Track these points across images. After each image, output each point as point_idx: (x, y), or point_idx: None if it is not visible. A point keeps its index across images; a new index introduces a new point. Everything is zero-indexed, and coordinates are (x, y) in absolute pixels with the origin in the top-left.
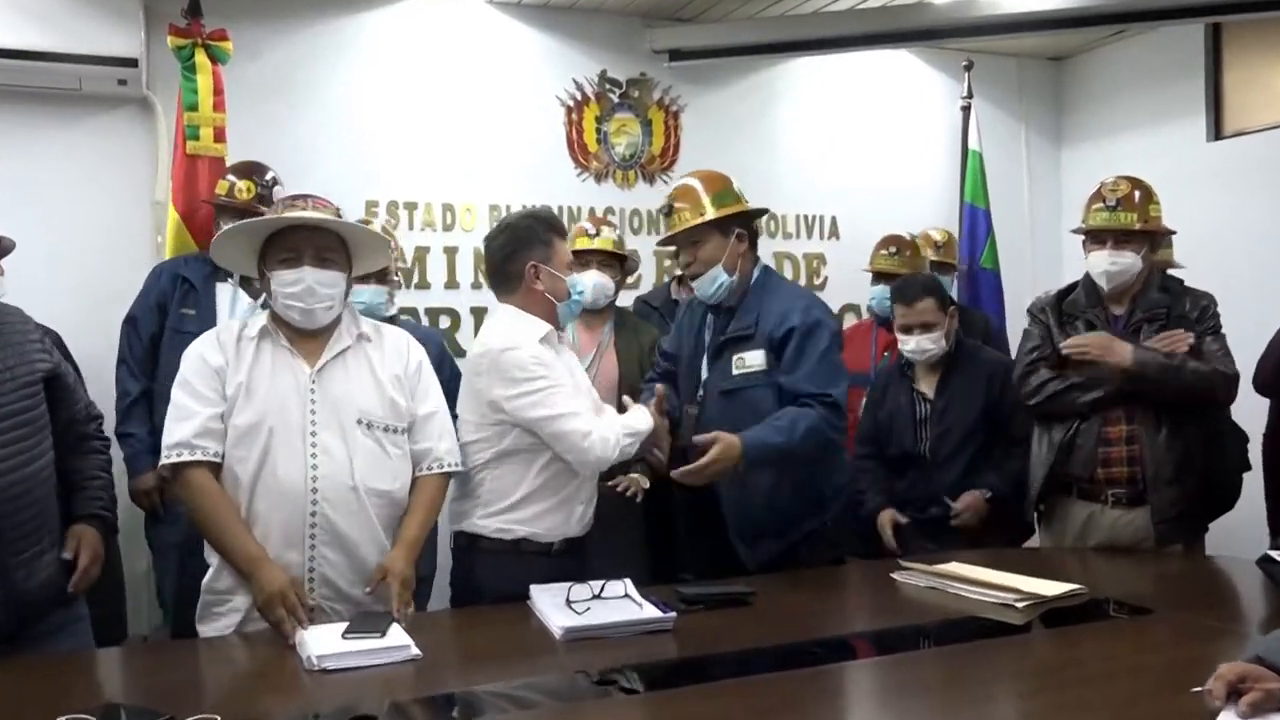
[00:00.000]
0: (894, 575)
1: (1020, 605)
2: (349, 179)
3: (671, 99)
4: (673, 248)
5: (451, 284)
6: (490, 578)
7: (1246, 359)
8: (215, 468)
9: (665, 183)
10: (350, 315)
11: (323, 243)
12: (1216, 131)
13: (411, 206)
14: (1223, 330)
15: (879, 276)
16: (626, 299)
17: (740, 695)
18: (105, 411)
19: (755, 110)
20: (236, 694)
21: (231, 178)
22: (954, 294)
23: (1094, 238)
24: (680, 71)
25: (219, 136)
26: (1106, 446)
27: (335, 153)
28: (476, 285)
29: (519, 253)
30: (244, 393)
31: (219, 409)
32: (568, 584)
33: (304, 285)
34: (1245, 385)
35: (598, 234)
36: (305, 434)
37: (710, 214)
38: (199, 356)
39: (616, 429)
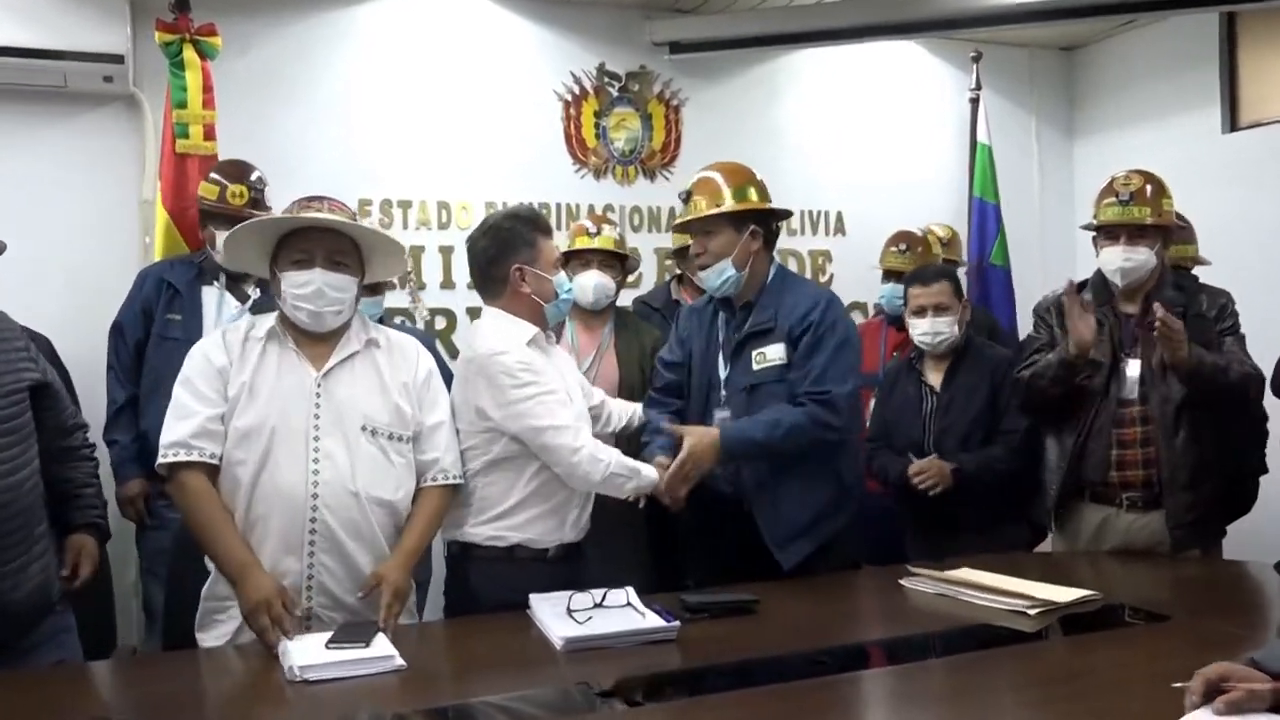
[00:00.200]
0: (903, 582)
1: (1033, 612)
2: (342, 176)
3: (672, 92)
4: (677, 245)
5: (447, 284)
6: (486, 586)
7: (1259, 356)
8: (212, 470)
9: (666, 179)
10: (360, 321)
11: (336, 246)
12: (1232, 123)
13: (406, 205)
14: (1241, 330)
15: (889, 274)
16: (626, 299)
17: (746, 707)
18: (97, 414)
19: (758, 104)
20: (221, 706)
21: (220, 179)
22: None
23: (1106, 234)
24: (681, 64)
25: (209, 134)
26: (1121, 449)
27: (327, 150)
28: (473, 285)
29: (503, 256)
30: (247, 394)
31: (219, 410)
32: (568, 592)
33: (314, 287)
34: None
35: (598, 233)
36: (308, 438)
37: (726, 206)
38: (203, 356)
39: (612, 455)
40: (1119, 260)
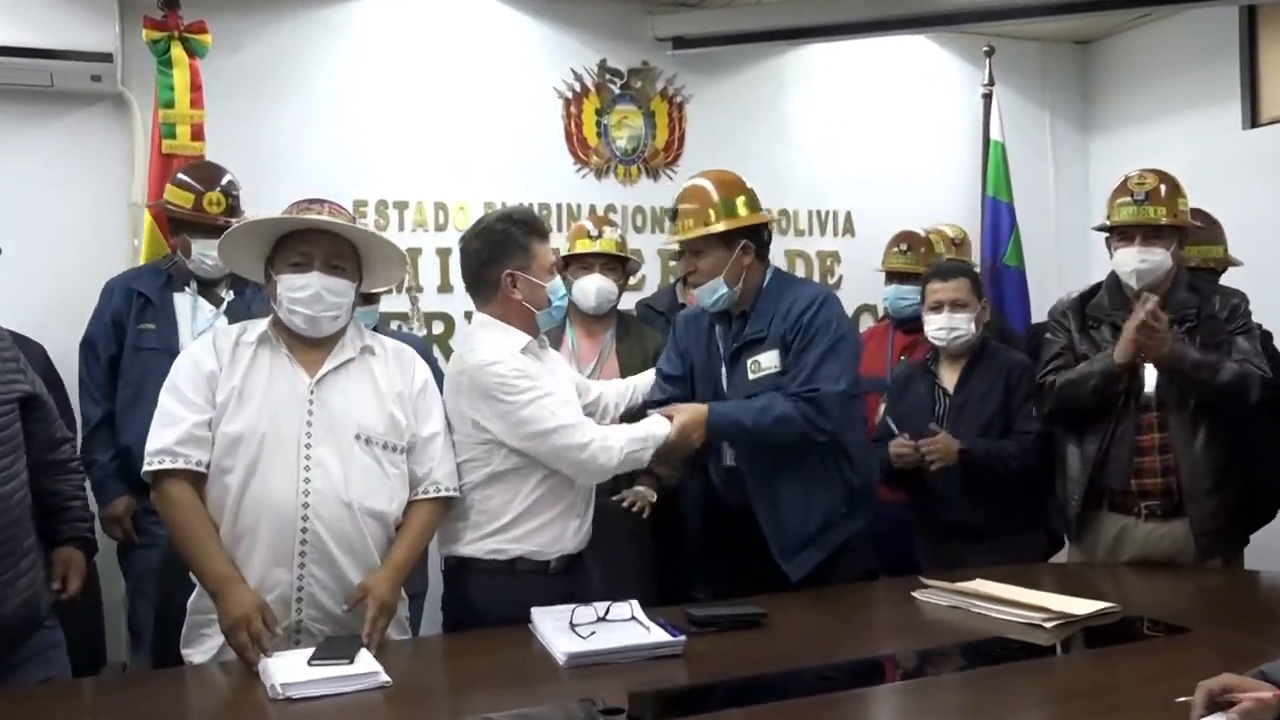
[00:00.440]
0: (915, 594)
1: (1049, 625)
2: (336, 176)
3: (675, 89)
4: (677, 247)
5: (445, 287)
6: (485, 599)
7: None
8: (198, 478)
9: (670, 178)
10: (356, 327)
11: (335, 250)
12: (1252, 119)
13: (402, 206)
14: (1256, 329)
15: (891, 276)
16: (628, 302)
17: None
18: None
19: (764, 100)
20: None
21: (193, 185)
22: None
23: (1121, 234)
24: (684, 60)
25: (197, 134)
26: (1139, 456)
27: (321, 149)
28: (466, 288)
29: (495, 260)
30: (236, 399)
31: (206, 416)
32: (571, 606)
33: (311, 291)
34: None
35: (599, 235)
36: (300, 446)
37: (714, 227)
38: (192, 361)
39: (621, 436)
40: (1134, 262)
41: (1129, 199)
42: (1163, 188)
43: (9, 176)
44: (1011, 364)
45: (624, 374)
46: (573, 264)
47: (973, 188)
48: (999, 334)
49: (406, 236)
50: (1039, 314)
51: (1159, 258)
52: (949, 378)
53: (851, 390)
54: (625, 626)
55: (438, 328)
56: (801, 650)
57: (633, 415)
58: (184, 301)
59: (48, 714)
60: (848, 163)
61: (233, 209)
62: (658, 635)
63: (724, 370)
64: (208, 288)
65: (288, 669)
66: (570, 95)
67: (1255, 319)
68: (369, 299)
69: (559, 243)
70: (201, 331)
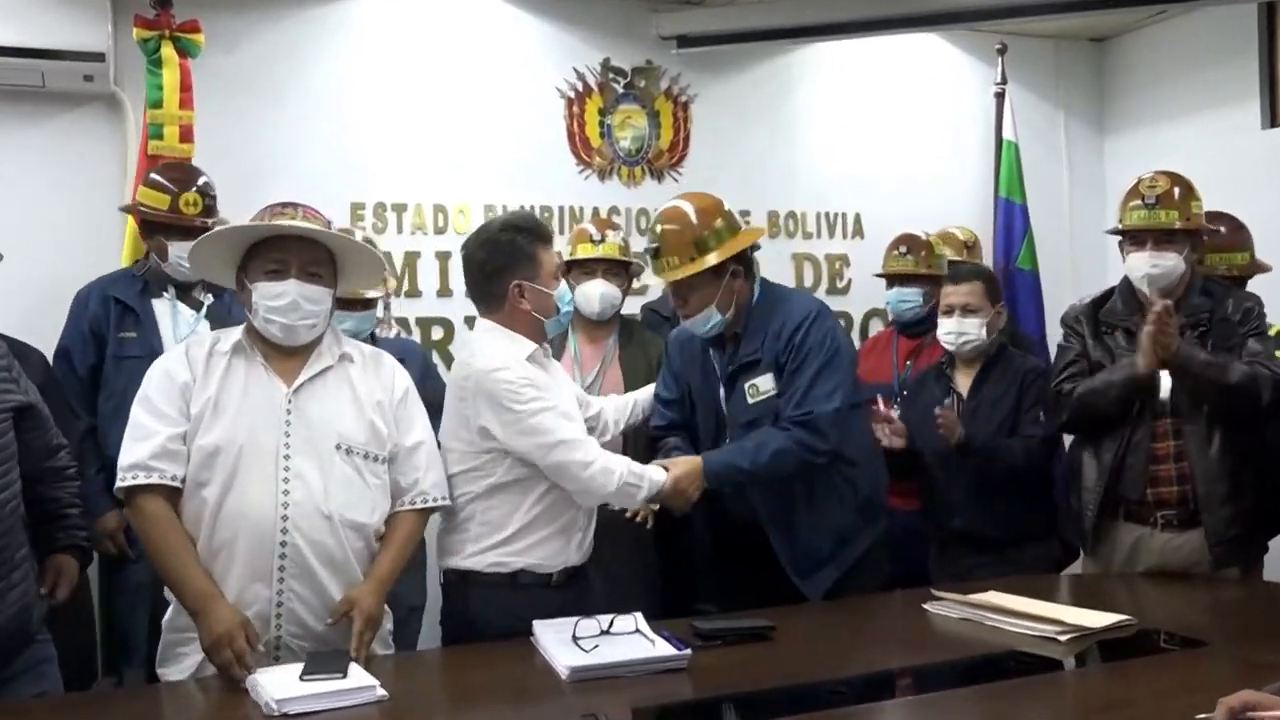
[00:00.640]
0: (926, 606)
1: (1063, 638)
2: (333, 178)
3: (680, 89)
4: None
5: (444, 291)
6: (486, 612)
7: None
8: (174, 493)
9: (674, 179)
10: (333, 334)
11: (311, 256)
12: (1272, 118)
13: (400, 208)
14: (1270, 331)
15: (893, 279)
16: (632, 306)
17: None
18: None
19: (771, 100)
20: None
21: (168, 186)
22: None
23: (1132, 239)
24: (689, 59)
25: (185, 136)
26: (1155, 464)
27: (318, 151)
28: (470, 296)
29: (502, 271)
30: (211, 411)
31: (181, 429)
32: (574, 619)
33: (289, 299)
34: None
35: (602, 239)
36: (278, 457)
37: (704, 261)
38: (164, 372)
39: (622, 464)
40: (1145, 267)
41: (1140, 202)
42: (1176, 190)
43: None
44: (1025, 369)
45: (627, 381)
46: (574, 269)
47: (985, 189)
48: (1011, 339)
49: (405, 239)
50: (1053, 318)
51: (1171, 263)
52: (964, 382)
53: (849, 402)
54: (629, 640)
55: (437, 333)
56: (810, 664)
57: (634, 431)
58: (163, 307)
59: None
60: (856, 163)
61: (209, 210)
62: (663, 649)
63: (722, 393)
64: (185, 291)
65: (280, 685)
66: (572, 95)
67: (1274, 322)
68: (365, 304)
69: (560, 246)
70: (185, 337)
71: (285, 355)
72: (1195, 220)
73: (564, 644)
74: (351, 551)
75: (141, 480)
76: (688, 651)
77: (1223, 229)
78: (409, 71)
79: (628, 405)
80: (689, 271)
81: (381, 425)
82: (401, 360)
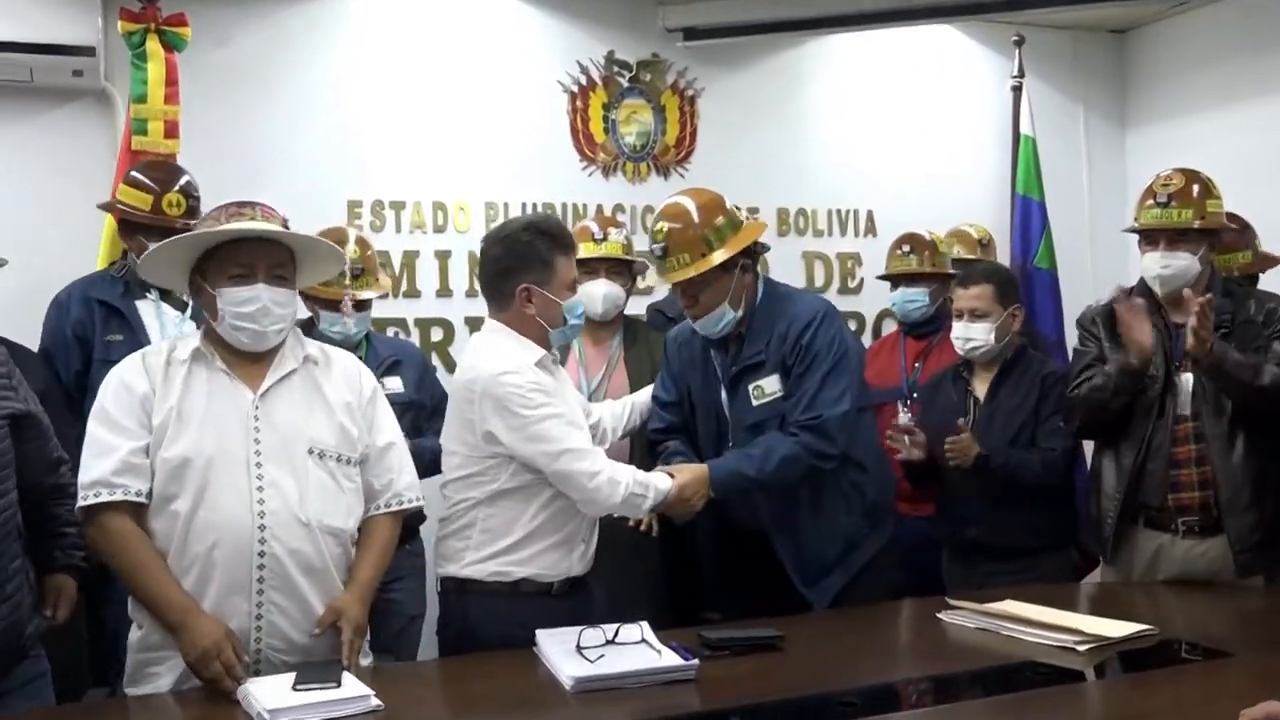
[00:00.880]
0: (940, 615)
1: (1082, 648)
2: (329, 176)
3: (687, 82)
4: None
5: (444, 291)
6: (486, 622)
7: None
8: (139, 508)
9: (681, 176)
10: (294, 336)
11: (276, 258)
12: None
13: (399, 206)
14: None
15: (898, 280)
16: (638, 305)
17: None
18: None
19: (781, 94)
20: None
21: (150, 185)
22: None
23: (1146, 238)
24: (696, 52)
25: (170, 131)
26: (1175, 469)
27: (313, 147)
28: (472, 293)
29: (513, 271)
30: (175, 421)
31: (142, 442)
32: (578, 628)
33: (259, 305)
34: None
35: (605, 238)
36: (249, 466)
37: (714, 258)
38: (120, 383)
39: (628, 475)
40: (1157, 267)
41: (1153, 201)
42: (1194, 188)
43: None
44: (1045, 374)
45: (633, 383)
46: (577, 268)
47: (1002, 185)
48: (1028, 340)
49: (404, 238)
50: (1071, 319)
51: (1184, 263)
52: (981, 386)
53: (858, 405)
54: (635, 650)
55: (436, 334)
56: (820, 675)
57: (637, 435)
58: (148, 308)
59: None
60: (869, 160)
61: (193, 211)
62: (669, 659)
63: (725, 395)
64: (167, 293)
65: (273, 695)
66: (576, 89)
67: None
68: (359, 306)
69: None
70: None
71: (248, 361)
72: (1212, 219)
73: (568, 654)
74: (330, 558)
75: (105, 498)
76: (695, 662)
77: (1233, 226)
78: (407, 64)
79: (624, 410)
80: (701, 268)
81: (352, 427)
82: (398, 362)
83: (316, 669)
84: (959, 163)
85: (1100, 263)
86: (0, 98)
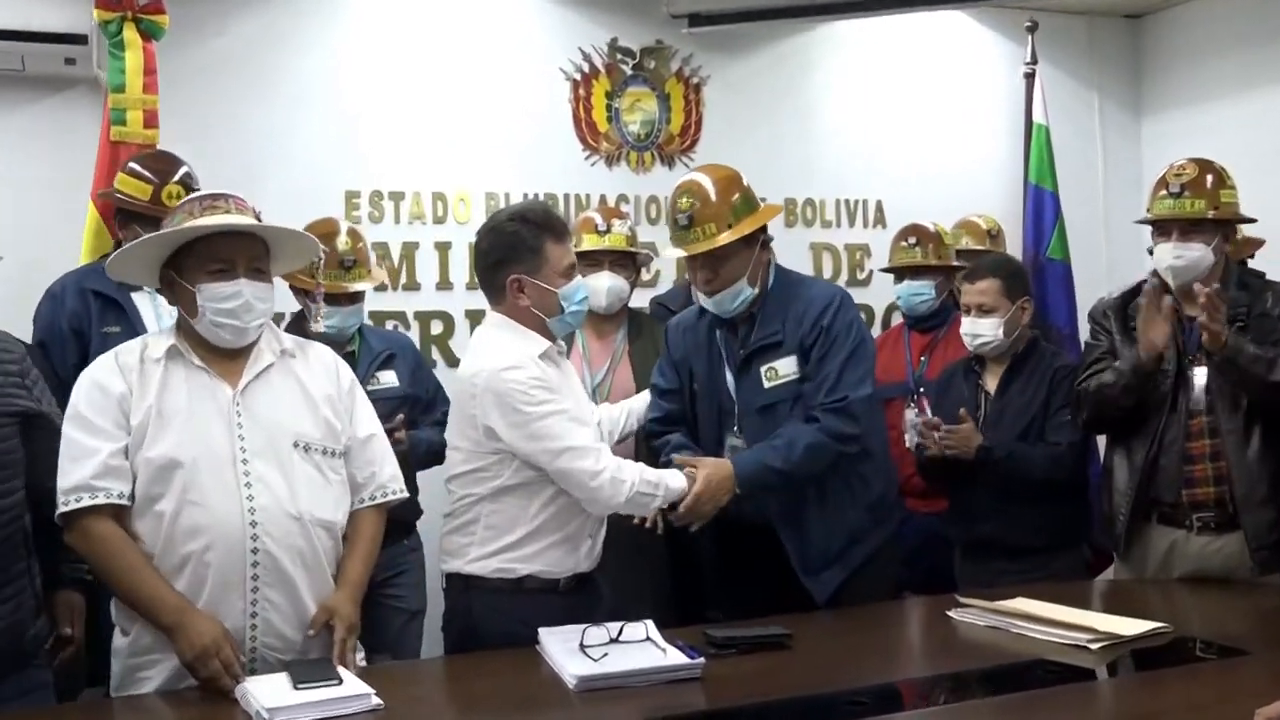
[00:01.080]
0: (950, 613)
1: (1095, 647)
2: (326, 166)
3: (692, 70)
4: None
5: (444, 284)
6: (491, 618)
7: None
8: (121, 511)
9: (686, 165)
10: (270, 330)
11: (255, 251)
12: None
13: (398, 196)
14: None
15: (903, 272)
16: (641, 298)
17: None
18: None
19: (788, 82)
20: None
21: (149, 176)
22: None
23: (1159, 229)
24: (702, 38)
25: (150, 121)
26: (1189, 465)
27: (311, 137)
28: (472, 285)
29: (503, 263)
30: (155, 421)
31: (121, 443)
32: (581, 626)
33: (242, 300)
34: None
35: (608, 230)
36: (235, 463)
37: (742, 228)
38: (94, 384)
39: (634, 473)
40: (1169, 258)
41: (1166, 191)
42: (1207, 178)
43: None
44: (1056, 367)
45: (638, 377)
46: (580, 261)
47: (1014, 175)
48: (1040, 333)
49: (403, 229)
50: (1085, 311)
51: (1196, 254)
52: (992, 380)
53: (873, 393)
54: (640, 648)
55: (436, 327)
56: (828, 673)
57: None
58: (144, 300)
59: None
60: (878, 148)
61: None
62: (675, 657)
63: (731, 379)
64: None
65: (273, 693)
66: (578, 76)
67: None
68: (351, 299)
69: None
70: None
71: (225, 357)
72: (1226, 209)
73: (571, 652)
74: (323, 552)
75: (87, 502)
76: (701, 660)
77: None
78: (406, 51)
79: (622, 415)
80: (731, 237)
81: (335, 419)
82: (392, 356)
83: (311, 667)
84: (970, 152)
85: (1115, 254)
86: None
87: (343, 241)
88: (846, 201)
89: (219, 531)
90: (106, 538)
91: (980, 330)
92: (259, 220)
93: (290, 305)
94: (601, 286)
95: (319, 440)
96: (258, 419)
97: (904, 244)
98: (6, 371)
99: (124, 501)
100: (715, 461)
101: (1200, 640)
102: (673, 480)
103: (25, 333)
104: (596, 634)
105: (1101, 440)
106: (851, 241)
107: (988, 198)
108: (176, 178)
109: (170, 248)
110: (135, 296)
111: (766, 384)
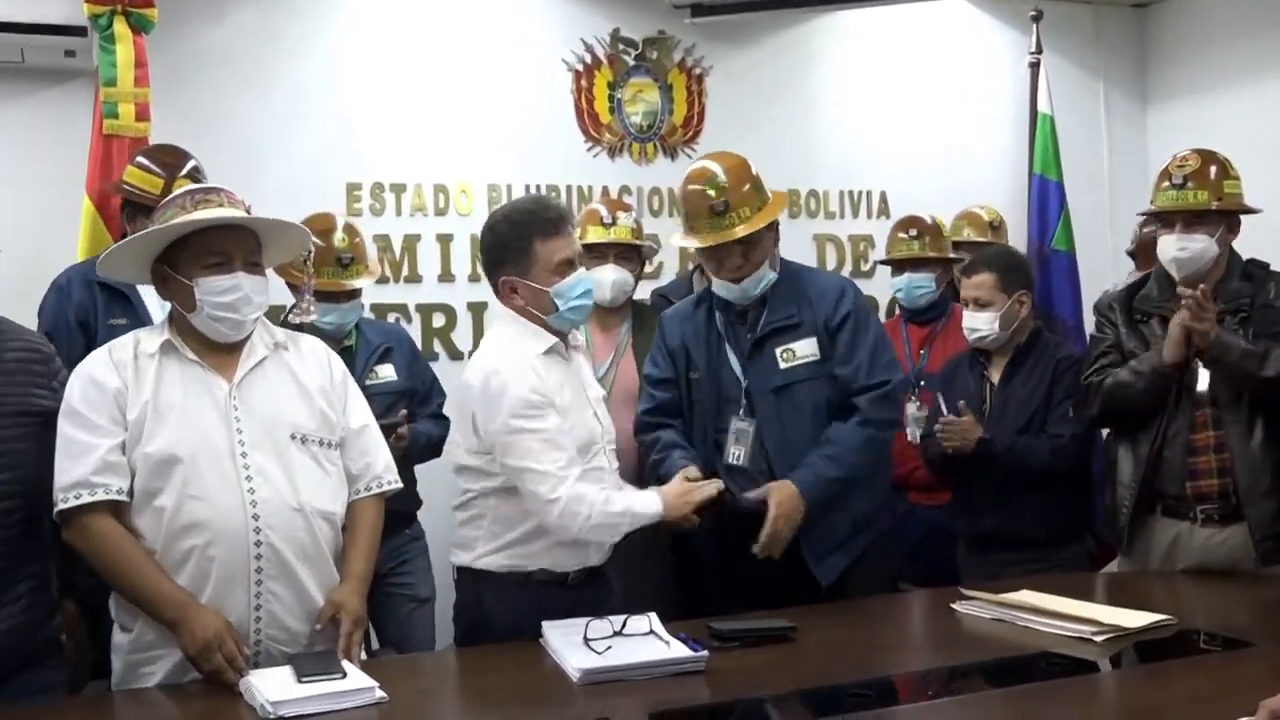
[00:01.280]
0: (954, 606)
1: (1099, 639)
2: (327, 158)
3: (695, 60)
4: (694, 245)
5: (446, 276)
6: (500, 610)
7: None
8: (119, 507)
9: (689, 156)
10: (262, 324)
11: (249, 244)
12: None
13: (399, 189)
14: None
15: (900, 265)
16: (642, 290)
17: None
18: None
19: (791, 72)
20: None
21: (158, 170)
22: None
23: (1163, 220)
24: (704, 28)
25: (141, 114)
26: (1193, 457)
27: (312, 129)
28: (474, 278)
29: (497, 265)
30: (152, 416)
31: (118, 439)
32: (585, 619)
33: (241, 294)
34: None
35: (614, 222)
36: (234, 457)
37: (772, 210)
38: (89, 380)
39: (592, 505)
40: (1173, 250)
41: (1169, 182)
42: (1211, 169)
43: None
44: (1058, 359)
45: (641, 369)
46: (585, 253)
47: (1018, 165)
48: (1044, 324)
49: (404, 221)
50: (1091, 303)
51: (1200, 245)
52: (996, 372)
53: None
54: (643, 641)
55: (438, 320)
56: (832, 666)
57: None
58: (150, 292)
59: None
60: (882, 139)
61: None
62: (678, 650)
63: (738, 363)
64: None
65: (277, 687)
66: (580, 67)
67: None
68: (349, 295)
69: None
70: None
71: (219, 351)
72: (1230, 200)
73: (575, 645)
74: (325, 543)
75: (86, 499)
76: (705, 653)
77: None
78: (406, 43)
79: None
80: (765, 220)
81: (329, 411)
82: (390, 349)
83: (315, 660)
84: (974, 142)
85: (1121, 245)
86: None
87: (339, 238)
88: (850, 192)
89: (221, 525)
90: (106, 534)
91: (978, 324)
92: (249, 213)
93: (287, 299)
94: (606, 279)
95: (315, 432)
96: (255, 412)
97: (903, 236)
98: (33, 371)
99: (123, 497)
100: (780, 485)
101: (1204, 632)
102: (641, 505)
103: (26, 325)
104: (600, 627)
105: (1104, 432)
106: (855, 232)
107: (992, 188)
108: (185, 171)
109: (165, 243)
110: (142, 288)
111: (783, 365)
